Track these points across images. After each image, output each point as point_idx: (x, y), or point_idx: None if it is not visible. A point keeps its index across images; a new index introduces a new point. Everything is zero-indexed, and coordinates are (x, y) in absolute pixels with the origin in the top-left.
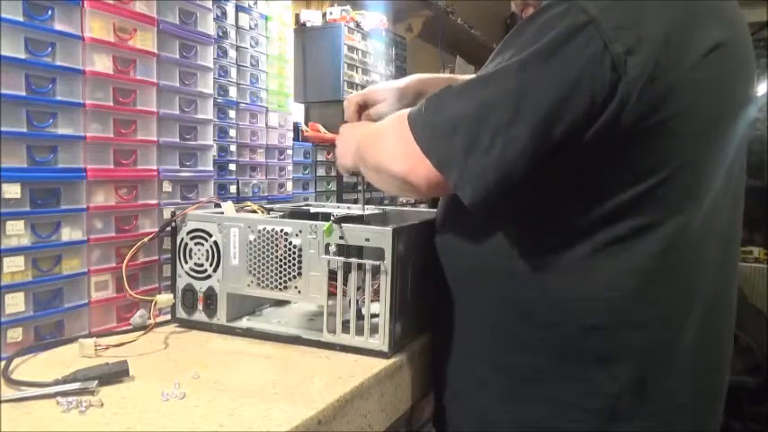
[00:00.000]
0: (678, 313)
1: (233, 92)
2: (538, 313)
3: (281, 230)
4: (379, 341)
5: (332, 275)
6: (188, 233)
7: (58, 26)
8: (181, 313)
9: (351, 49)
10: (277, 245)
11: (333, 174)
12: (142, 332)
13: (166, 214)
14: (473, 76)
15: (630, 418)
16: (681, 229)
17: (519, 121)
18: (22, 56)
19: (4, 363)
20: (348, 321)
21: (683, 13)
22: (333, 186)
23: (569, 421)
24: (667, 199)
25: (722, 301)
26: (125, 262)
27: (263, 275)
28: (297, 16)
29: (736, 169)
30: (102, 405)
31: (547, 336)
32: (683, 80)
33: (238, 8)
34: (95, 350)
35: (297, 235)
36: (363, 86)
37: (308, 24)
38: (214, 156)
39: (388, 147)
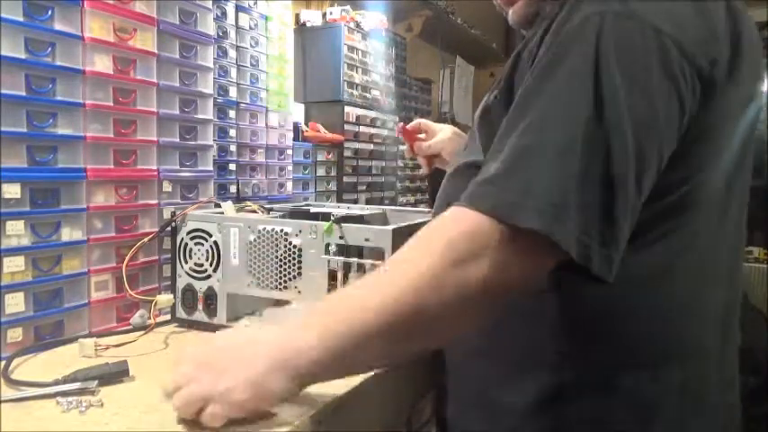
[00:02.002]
0: (704, 316)
1: (233, 92)
2: (569, 327)
3: (281, 230)
4: None
5: (332, 275)
6: (188, 233)
7: (58, 26)
8: (181, 313)
9: (351, 49)
10: (277, 245)
11: (333, 174)
12: (142, 332)
13: (166, 214)
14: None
15: (675, 424)
16: (705, 229)
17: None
18: (22, 56)
19: (4, 363)
20: None
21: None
22: (333, 186)
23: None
24: (697, 200)
25: (733, 304)
26: (125, 262)
27: (263, 275)
28: (297, 16)
29: (743, 171)
30: (102, 405)
31: (581, 350)
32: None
33: (238, 8)
34: (95, 350)
35: (297, 235)
36: (363, 86)
37: (308, 24)
38: (214, 156)
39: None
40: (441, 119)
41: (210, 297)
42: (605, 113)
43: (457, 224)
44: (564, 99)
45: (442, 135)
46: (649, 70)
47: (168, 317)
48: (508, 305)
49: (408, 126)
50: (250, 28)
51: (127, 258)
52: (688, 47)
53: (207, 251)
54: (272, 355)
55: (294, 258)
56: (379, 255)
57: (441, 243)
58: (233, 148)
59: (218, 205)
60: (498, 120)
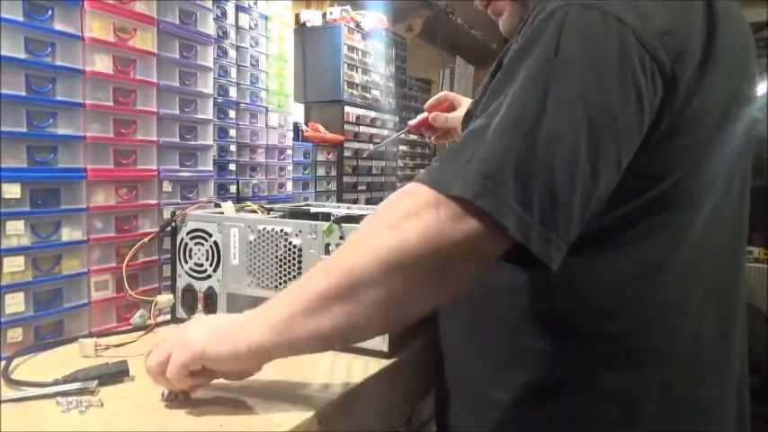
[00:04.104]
0: (695, 317)
1: (233, 92)
2: (554, 325)
3: (281, 230)
4: (379, 341)
5: None
6: (188, 233)
7: (58, 26)
8: (181, 313)
9: (351, 49)
10: (277, 245)
11: (333, 174)
12: (142, 332)
13: (166, 214)
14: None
15: (660, 424)
16: (695, 229)
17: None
18: (22, 56)
19: (4, 363)
20: None
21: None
22: (333, 186)
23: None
24: (680, 199)
25: (732, 305)
26: (125, 262)
27: (262, 275)
28: (297, 16)
29: (740, 169)
30: (102, 405)
31: (566, 349)
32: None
33: (238, 8)
34: (95, 350)
35: (297, 235)
36: (363, 86)
37: (308, 24)
38: (214, 156)
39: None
40: None
41: (210, 297)
42: (558, 97)
43: (404, 194)
44: (522, 85)
45: (462, 110)
46: (608, 60)
47: (168, 317)
48: (493, 303)
49: (432, 99)
50: (250, 28)
51: (127, 258)
52: (648, 39)
53: (207, 251)
54: (228, 324)
55: (294, 258)
56: None
57: (386, 210)
58: (233, 148)
59: (218, 205)
60: None
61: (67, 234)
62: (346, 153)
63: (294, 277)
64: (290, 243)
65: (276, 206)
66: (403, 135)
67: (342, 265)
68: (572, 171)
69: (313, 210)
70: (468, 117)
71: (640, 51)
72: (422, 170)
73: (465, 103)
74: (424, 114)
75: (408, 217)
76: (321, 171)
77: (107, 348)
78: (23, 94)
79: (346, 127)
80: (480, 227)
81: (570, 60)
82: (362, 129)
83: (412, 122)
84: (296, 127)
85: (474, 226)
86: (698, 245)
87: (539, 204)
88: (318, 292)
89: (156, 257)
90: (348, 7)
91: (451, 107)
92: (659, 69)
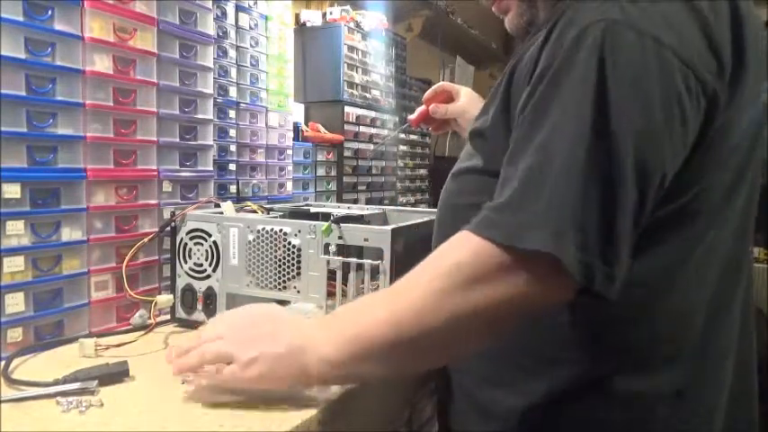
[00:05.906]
0: (702, 317)
1: (233, 92)
2: (570, 332)
3: (281, 230)
4: None
5: (331, 275)
6: (187, 233)
7: (58, 26)
8: (180, 313)
9: (351, 49)
10: (276, 245)
11: (333, 174)
12: (142, 332)
13: (166, 214)
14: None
15: (670, 428)
16: (706, 235)
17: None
18: (22, 56)
19: (4, 363)
20: None
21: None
22: (333, 186)
23: None
24: (698, 209)
25: (735, 299)
26: (125, 262)
27: (262, 275)
28: (297, 16)
29: (753, 169)
30: (102, 405)
31: (582, 356)
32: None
33: (238, 8)
34: (95, 350)
35: (296, 235)
36: (363, 86)
37: (308, 24)
38: (214, 156)
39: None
40: None
41: (210, 297)
42: (607, 132)
43: (462, 249)
44: (567, 119)
45: (463, 100)
46: (651, 85)
47: (168, 317)
48: None
49: (430, 90)
50: (250, 28)
51: (127, 258)
52: (690, 58)
53: (206, 251)
54: (292, 340)
55: (293, 258)
56: (378, 255)
57: (446, 267)
58: (233, 148)
59: (217, 205)
60: (495, 137)
61: (67, 234)
62: (346, 153)
63: (293, 277)
64: (290, 243)
65: (276, 206)
66: (403, 135)
67: (410, 319)
68: (625, 206)
69: (313, 210)
70: (480, 135)
71: (684, 72)
72: (423, 170)
73: (463, 92)
74: (423, 107)
75: (480, 279)
76: (321, 171)
77: (107, 348)
78: (23, 94)
79: (346, 127)
80: (555, 279)
81: (614, 91)
82: (362, 129)
83: (411, 117)
84: (296, 127)
85: (551, 281)
86: (708, 250)
87: (600, 246)
88: (383, 342)
89: (156, 257)
90: (348, 7)
91: (449, 98)
92: (703, 89)
